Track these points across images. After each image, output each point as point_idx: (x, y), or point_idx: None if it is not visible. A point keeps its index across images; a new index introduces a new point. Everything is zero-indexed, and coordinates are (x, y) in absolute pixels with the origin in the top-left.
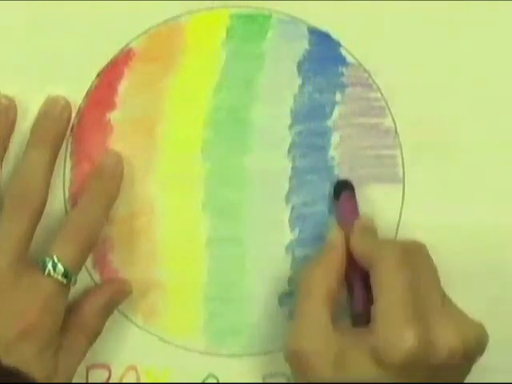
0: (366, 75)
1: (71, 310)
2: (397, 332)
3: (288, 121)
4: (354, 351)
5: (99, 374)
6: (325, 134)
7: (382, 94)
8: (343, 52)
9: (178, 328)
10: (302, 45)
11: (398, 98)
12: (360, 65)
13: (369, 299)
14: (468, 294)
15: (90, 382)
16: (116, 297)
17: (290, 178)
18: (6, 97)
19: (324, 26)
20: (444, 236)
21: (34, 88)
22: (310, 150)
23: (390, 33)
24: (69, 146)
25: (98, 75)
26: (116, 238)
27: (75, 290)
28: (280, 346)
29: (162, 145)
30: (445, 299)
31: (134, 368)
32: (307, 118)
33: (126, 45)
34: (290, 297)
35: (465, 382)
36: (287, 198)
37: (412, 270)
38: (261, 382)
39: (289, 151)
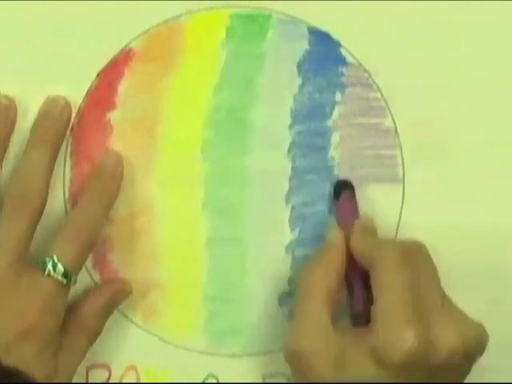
0: (366, 75)
1: (71, 309)
2: (397, 332)
3: (288, 121)
4: (354, 351)
5: (99, 374)
6: (325, 134)
7: (382, 94)
8: (343, 52)
9: (178, 328)
10: (302, 45)
11: (398, 98)
12: (360, 65)
13: (369, 299)
14: (468, 294)
15: (89, 382)
16: (116, 297)
17: (290, 178)
18: (6, 97)
19: (324, 26)
20: (444, 236)
21: (33, 88)
22: (310, 149)
23: (390, 33)
24: (69, 145)
25: (98, 75)
26: (116, 238)
27: (75, 290)
28: (280, 346)
29: (162, 145)
30: (445, 299)
31: (133, 368)
32: (307, 117)
33: (126, 45)
34: (290, 297)
35: (465, 382)
36: (287, 198)
37: (412, 270)
38: (261, 382)
39: (289, 151)
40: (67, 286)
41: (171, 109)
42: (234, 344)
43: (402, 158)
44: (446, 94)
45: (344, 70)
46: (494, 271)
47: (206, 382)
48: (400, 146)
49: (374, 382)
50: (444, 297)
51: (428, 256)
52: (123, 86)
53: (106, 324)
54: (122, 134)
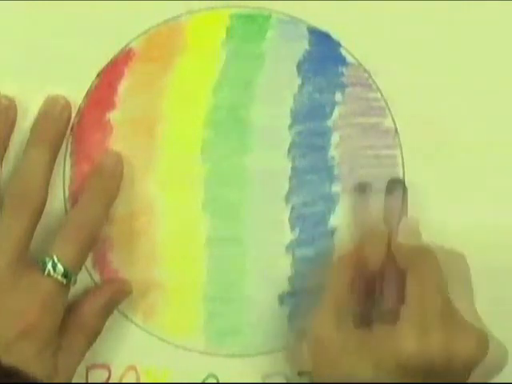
0: (366, 75)
1: (71, 309)
2: (399, 336)
3: (288, 121)
4: (363, 349)
5: (99, 374)
6: (325, 134)
7: (381, 94)
8: (343, 52)
9: (178, 328)
10: (302, 45)
11: (398, 98)
12: (360, 65)
13: (399, 298)
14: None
15: (89, 382)
16: (116, 297)
17: (290, 178)
18: (6, 97)
19: (324, 26)
20: (444, 236)
21: (33, 88)
22: (310, 149)
23: (390, 33)
24: (69, 145)
25: (98, 75)
26: (116, 238)
27: (75, 289)
28: (280, 346)
29: (162, 145)
30: (449, 305)
31: (133, 368)
32: (307, 117)
33: (126, 45)
34: (290, 297)
35: (465, 382)
36: (287, 198)
37: (441, 279)
38: (261, 382)
39: (289, 151)
40: (67, 286)
41: (171, 109)
42: (233, 344)
43: (402, 158)
44: (446, 94)
45: (344, 70)
46: (494, 271)
47: (206, 382)
48: (400, 146)
49: (373, 382)
50: (448, 303)
51: (437, 263)
52: (123, 86)
53: (106, 324)
54: (121, 134)
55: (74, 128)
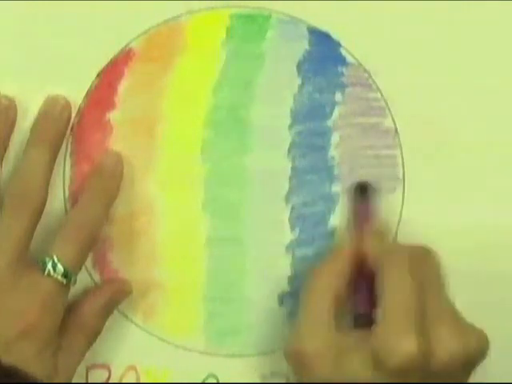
0: (366, 75)
1: (71, 309)
2: (397, 336)
3: (288, 121)
4: (355, 353)
5: (99, 374)
6: (325, 134)
7: (381, 94)
8: (343, 52)
9: (178, 328)
10: (302, 45)
11: (398, 98)
12: (360, 65)
13: (372, 301)
14: (468, 295)
15: (89, 382)
16: (116, 297)
17: (290, 178)
18: (6, 97)
19: (324, 26)
20: (444, 236)
21: (34, 88)
22: (310, 149)
23: (390, 33)
24: (69, 145)
25: (98, 75)
26: (116, 238)
27: (75, 290)
28: (280, 346)
29: (162, 145)
30: (448, 306)
31: (133, 368)
32: (307, 117)
33: (126, 45)
34: (290, 297)
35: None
36: (287, 198)
37: (418, 276)
38: (261, 382)
39: (289, 151)
40: (67, 286)
41: (171, 109)
42: (233, 344)
43: (402, 157)
44: (446, 94)
45: (344, 70)
46: (495, 271)
47: (206, 382)
48: (400, 146)
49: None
50: (448, 303)
51: (436, 262)
52: (123, 86)
53: (106, 324)
54: (121, 134)
55: (74, 128)
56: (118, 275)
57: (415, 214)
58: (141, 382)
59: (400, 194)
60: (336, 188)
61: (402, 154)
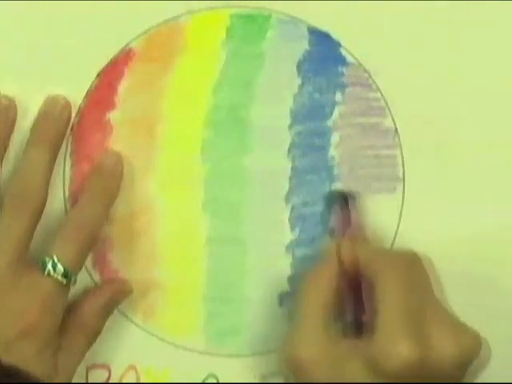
0: (366, 75)
1: (71, 309)
2: (394, 342)
3: (288, 121)
4: (350, 360)
5: (99, 374)
6: (325, 134)
7: (381, 94)
8: (343, 52)
9: (178, 328)
10: (302, 45)
11: (398, 98)
12: (360, 65)
13: (361, 308)
14: (468, 296)
15: (89, 382)
16: (116, 297)
17: (290, 178)
18: (6, 97)
19: (324, 26)
20: (444, 236)
21: (34, 88)
22: (310, 149)
23: (390, 33)
24: (69, 145)
25: (98, 75)
26: (116, 238)
27: (75, 290)
28: (280, 346)
29: (162, 145)
30: (441, 308)
31: (133, 368)
32: (307, 117)
33: (126, 45)
34: (290, 297)
35: (464, 382)
36: (287, 198)
37: (410, 282)
38: (261, 382)
39: (289, 151)
40: (67, 286)
41: (171, 109)
42: (233, 344)
43: (402, 157)
44: (446, 94)
45: (344, 70)
46: (495, 271)
47: (206, 382)
48: (400, 146)
49: None
50: (439, 306)
51: (422, 266)
52: (123, 86)
53: (106, 324)
54: (121, 134)
55: (74, 128)
56: (118, 275)
57: (415, 213)
58: (141, 382)
59: (400, 194)
60: (336, 188)
61: (402, 154)
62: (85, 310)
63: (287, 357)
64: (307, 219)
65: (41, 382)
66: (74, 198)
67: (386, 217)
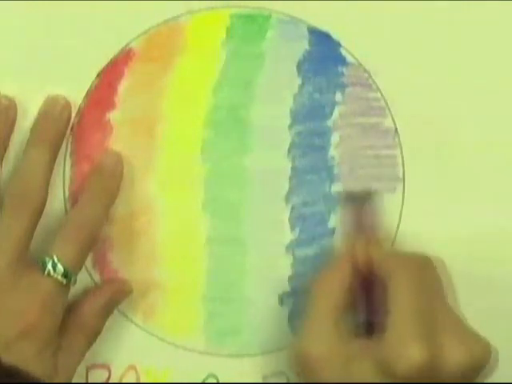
0: (366, 75)
1: (71, 309)
2: (406, 343)
3: (288, 121)
4: (360, 359)
5: (99, 374)
6: (325, 134)
7: (381, 94)
8: (343, 52)
9: (178, 328)
10: (302, 45)
11: (398, 98)
12: (360, 65)
13: (373, 309)
14: (468, 296)
15: (89, 382)
16: (116, 297)
17: (290, 178)
18: (6, 97)
19: (324, 26)
20: (444, 236)
21: (34, 88)
22: (310, 149)
23: (390, 33)
24: (69, 145)
25: (98, 75)
26: (116, 238)
27: (75, 289)
28: (280, 346)
29: (162, 145)
30: (454, 314)
31: (133, 368)
32: (307, 117)
33: (126, 45)
34: (290, 297)
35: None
36: (287, 198)
37: (424, 286)
38: (261, 382)
39: (289, 151)
40: (67, 286)
41: (171, 109)
42: (233, 344)
43: (402, 157)
44: (446, 94)
45: (344, 70)
46: (495, 271)
47: (206, 382)
48: (400, 145)
49: None
50: (453, 311)
51: (435, 270)
52: (123, 86)
53: (106, 324)
54: (121, 134)
55: (74, 128)
56: (118, 275)
57: (415, 213)
58: (141, 382)
59: (400, 193)
60: (336, 188)
61: (402, 154)
62: (85, 310)
63: (297, 353)
64: (307, 219)
65: (41, 382)
66: (73, 198)
67: (386, 217)
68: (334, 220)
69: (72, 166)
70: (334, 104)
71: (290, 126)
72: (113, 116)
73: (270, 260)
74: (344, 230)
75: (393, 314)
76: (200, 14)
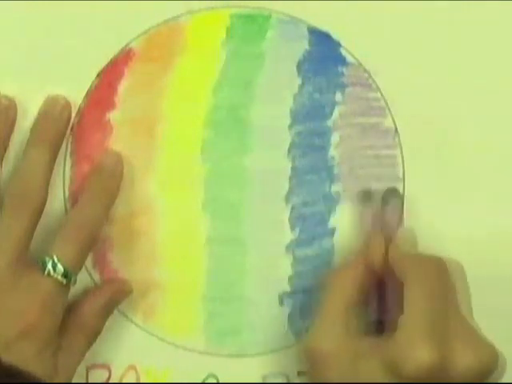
0: (366, 75)
1: (71, 309)
2: (415, 344)
3: (288, 121)
4: (369, 358)
5: (99, 374)
6: (325, 134)
7: (381, 94)
8: (343, 52)
9: (178, 328)
10: (302, 45)
11: (398, 98)
12: (360, 65)
13: (385, 309)
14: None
15: (89, 382)
16: (116, 297)
17: (290, 178)
18: (6, 97)
19: (324, 26)
20: (444, 236)
21: (34, 88)
22: (310, 149)
23: (390, 33)
24: (69, 145)
25: (98, 75)
26: (116, 238)
27: (75, 289)
28: (280, 346)
29: (162, 145)
30: (466, 319)
31: (133, 368)
32: (307, 117)
33: (126, 45)
34: (290, 297)
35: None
36: (287, 198)
37: (439, 289)
38: (261, 382)
39: (289, 151)
40: (67, 286)
41: (171, 109)
42: (233, 344)
43: (402, 157)
44: (446, 94)
45: (344, 70)
46: (495, 272)
47: (206, 382)
48: (400, 145)
49: None
50: (465, 317)
51: (448, 272)
52: (123, 86)
53: (106, 324)
54: (121, 134)
55: (74, 128)
56: (118, 275)
57: (415, 213)
58: (141, 382)
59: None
60: (336, 188)
61: (402, 153)
62: (85, 310)
63: (306, 348)
64: (307, 219)
65: (41, 382)
66: (74, 198)
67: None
68: (334, 220)
69: (72, 166)
70: (334, 104)
71: (290, 126)
72: (113, 116)
73: (270, 260)
74: (362, 228)
75: (405, 314)
76: (200, 14)
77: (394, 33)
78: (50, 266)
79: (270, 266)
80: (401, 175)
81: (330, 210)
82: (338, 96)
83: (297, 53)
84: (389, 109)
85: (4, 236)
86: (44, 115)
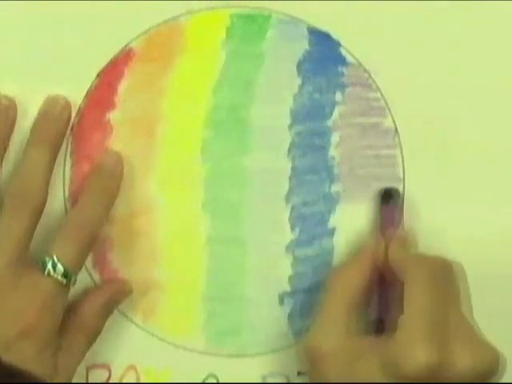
0: (366, 75)
1: (71, 309)
2: (414, 345)
3: (288, 121)
4: (368, 357)
5: (99, 374)
6: (325, 134)
7: (381, 94)
8: (343, 52)
9: (178, 328)
10: (302, 45)
11: (398, 98)
12: (360, 65)
13: (386, 308)
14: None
15: (89, 382)
16: (116, 297)
17: (290, 178)
18: (6, 97)
19: (324, 26)
20: (444, 236)
21: (34, 88)
22: (310, 149)
23: (390, 33)
24: (69, 145)
25: (98, 75)
26: (116, 238)
27: (75, 290)
28: (280, 346)
29: (162, 145)
30: (467, 320)
31: (133, 368)
32: (307, 117)
33: (126, 45)
34: (290, 297)
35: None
36: (287, 198)
37: (441, 289)
38: (261, 382)
39: (289, 151)
40: (67, 286)
41: (171, 109)
42: (233, 344)
43: (402, 157)
44: (446, 94)
45: (344, 70)
46: (495, 271)
47: (206, 382)
48: (400, 145)
49: None
50: (466, 318)
51: (453, 273)
52: (123, 86)
53: (106, 324)
54: (121, 134)
55: (74, 128)
56: (118, 275)
57: (415, 213)
58: (141, 382)
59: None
60: (336, 188)
61: (402, 153)
62: (85, 310)
63: (306, 347)
64: (307, 219)
65: (41, 382)
66: (73, 198)
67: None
68: (334, 220)
69: (72, 166)
70: (334, 104)
71: (290, 126)
72: (113, 116)
73: (270, 260)
74: (373, 227)
75: (405, 314)
76: (200, 14)
77: (394, 33)
78: (49, 265)
79: (270, 266)
80: (401, 175)
81: (329, 210)
82: (338, 96)
83: (297, 53)
84: (389, 109)
85: (4, 236)
86: (44, 115)
